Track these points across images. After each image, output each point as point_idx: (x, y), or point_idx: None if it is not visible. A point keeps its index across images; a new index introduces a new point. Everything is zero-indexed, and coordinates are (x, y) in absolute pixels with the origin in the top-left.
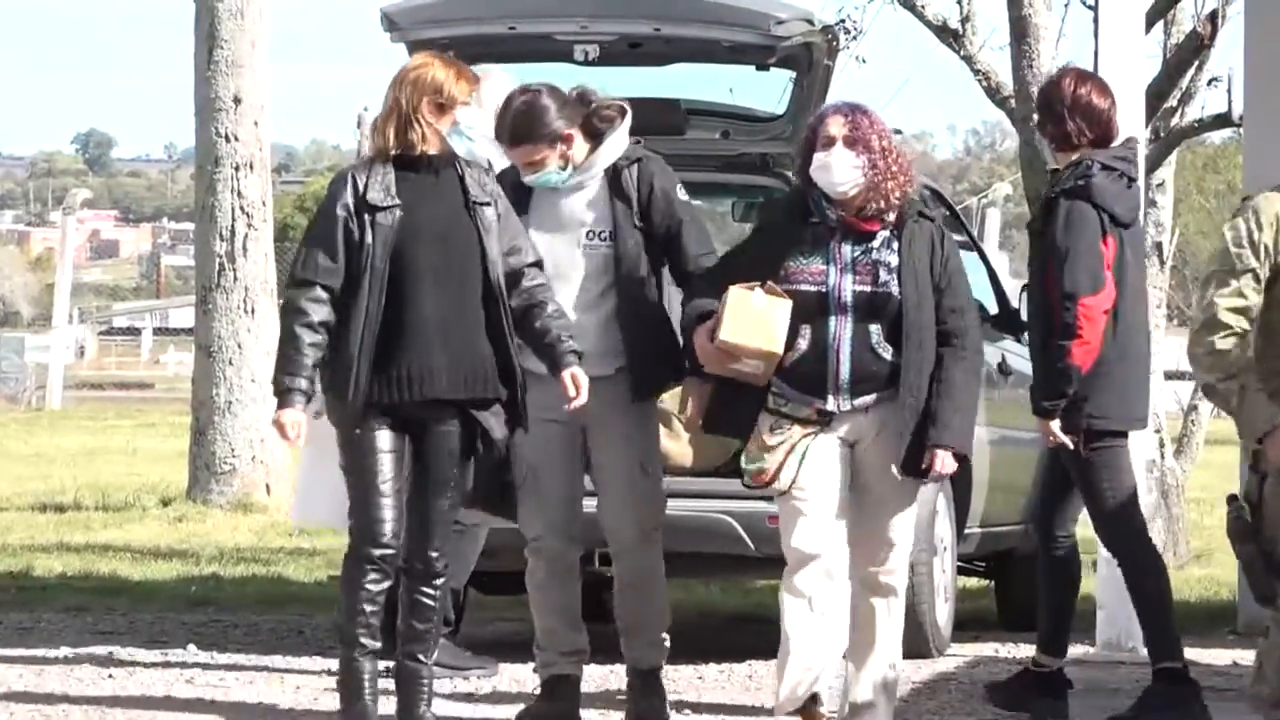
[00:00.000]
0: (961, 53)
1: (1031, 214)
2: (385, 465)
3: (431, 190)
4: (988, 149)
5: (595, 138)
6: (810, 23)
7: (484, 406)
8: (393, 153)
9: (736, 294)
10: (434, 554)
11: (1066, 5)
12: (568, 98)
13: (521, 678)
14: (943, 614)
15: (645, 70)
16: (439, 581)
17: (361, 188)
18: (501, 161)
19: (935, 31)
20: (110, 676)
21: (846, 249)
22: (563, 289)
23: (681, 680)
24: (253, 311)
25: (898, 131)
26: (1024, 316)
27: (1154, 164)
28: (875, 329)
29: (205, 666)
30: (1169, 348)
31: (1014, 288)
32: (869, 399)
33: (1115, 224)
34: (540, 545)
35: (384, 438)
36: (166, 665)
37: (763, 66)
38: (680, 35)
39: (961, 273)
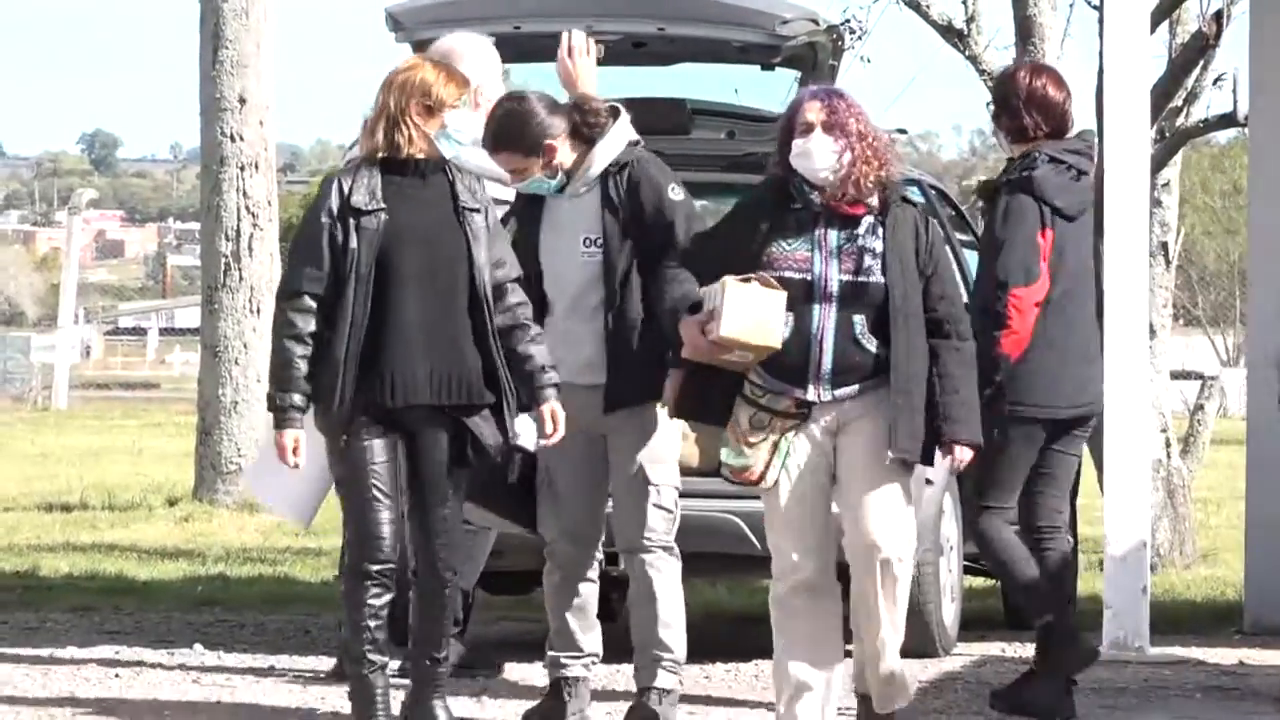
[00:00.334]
0: (966, 52)
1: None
2: (379, 476)
3: (419, 194)
4: (993, 149)
5: (589, 143)
6: (815, 22)
7: (471, 413)
8: (380, 155)
9: (734, 288)
10: (440, 559)
11: (1071, 5)
12: (556, 105)
13: (529, 677)
14: (949, 613)
15: (650, 70)
16: (449, 589)
17: (347, 191)
18: (486, 165)
19: (940, 31)
20: (117, 676)
21: (832, 235)
22: (562, 297)
23: (688, 679)
24: (258, 311)
25: (902, 131)
26: None
27: (1159, 163)
28: (859, 319)
29: (212, 667)
30: (1175, 347)
31: None
32: (850, 389)
33: (1060, 216)
34: (554, 549)
35: (375, 447)
36: (173, 665)
37: (768, 66)
38: (685, 35)
39: (947, 259)
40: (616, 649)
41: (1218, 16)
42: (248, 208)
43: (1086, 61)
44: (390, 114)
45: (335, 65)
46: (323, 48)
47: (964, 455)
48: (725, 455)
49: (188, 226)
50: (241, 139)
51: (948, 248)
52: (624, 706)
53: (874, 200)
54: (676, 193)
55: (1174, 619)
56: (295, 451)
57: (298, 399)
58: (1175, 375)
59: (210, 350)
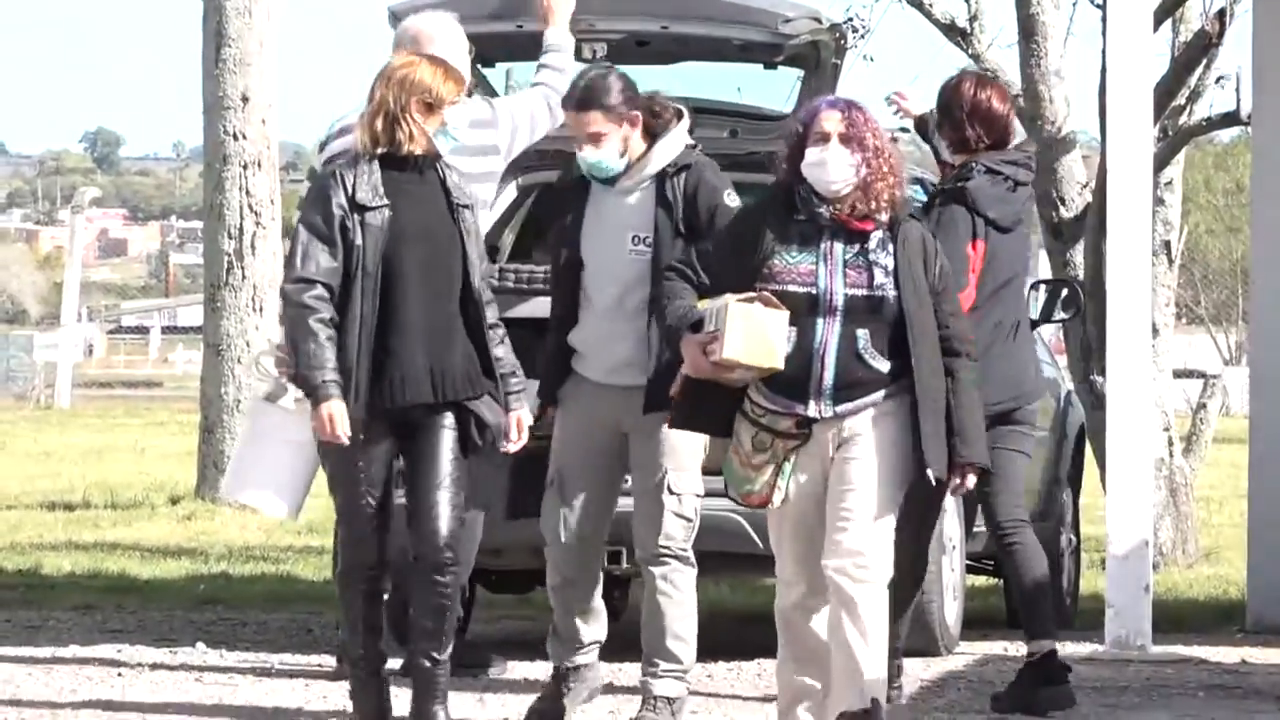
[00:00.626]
0: (969, 51)
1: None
2: (373, 479)
3: (416, 190)
4: None
5: (653, 138)
6: (818, 21)
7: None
8: (379, 151)
9: (736, 309)
10: (442, 548)
11: (1074, 4)
12: (636, 89)
13: (531, 675)
14: (951, 612)
15: (653, 69)
16: (450, 577)
17: (350, 187)
18: (478, 166)
19: (943, 30)
20: (119, 675)
21: (839, 249)
22: (606, 293)
23: (691, 678)
24: (261, 309)
25: (903, 130)
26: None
27: (1162, 162)
28: (863, 334)
29: (214, 665)
30: (1177, 346)
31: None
32: (851, 405)
33: (993, 228)
34: (556, 550)
35: (374, 448)
36: (175, 664)
37: (770, 65)
38: (688, 33)
39: (950, 274)
40: (619, 648)
41: (1220, 15)
42: (250, 206)
43: (1089, 61)
44: (390, 110)
45: (338, 64)
46: (326, 46)
47: (971, 480)
48: (730, 479)
49: (190, 225)
50: (244, 137)
51: None
52: (625, 703)
53: (884, 216)
54: (732, 199)
55: (1176, 618)
56: (336, 424)
57: (331, 374)
58: (1178, 374)
59: (213, 349)
